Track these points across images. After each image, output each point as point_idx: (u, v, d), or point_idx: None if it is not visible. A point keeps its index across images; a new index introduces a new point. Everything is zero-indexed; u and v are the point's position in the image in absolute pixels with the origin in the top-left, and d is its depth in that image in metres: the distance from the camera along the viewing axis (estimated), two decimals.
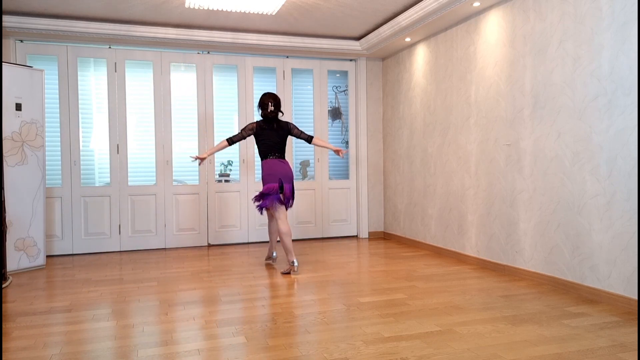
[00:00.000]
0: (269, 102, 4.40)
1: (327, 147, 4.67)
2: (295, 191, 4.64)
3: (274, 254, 4.79)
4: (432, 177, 5.35)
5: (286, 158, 5.90)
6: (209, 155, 4.56)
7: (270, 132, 4.42)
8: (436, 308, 3.23)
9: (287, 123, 4.55)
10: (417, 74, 5.62)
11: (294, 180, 4.88)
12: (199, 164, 4.69)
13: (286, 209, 4.41)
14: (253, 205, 5.94)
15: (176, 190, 5.82)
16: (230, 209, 5.99)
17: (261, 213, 4.55)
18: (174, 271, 4.53)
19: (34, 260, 4.70)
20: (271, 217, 4.54)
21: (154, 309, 3.32)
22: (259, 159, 4.75)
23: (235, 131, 6.00)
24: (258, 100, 4.53)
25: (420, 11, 4.71)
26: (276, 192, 4.31)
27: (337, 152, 4.62)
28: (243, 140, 5.14)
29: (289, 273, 4.33)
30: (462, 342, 2.61)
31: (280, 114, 4.52)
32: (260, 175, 4.68)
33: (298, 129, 4.57)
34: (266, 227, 6.05)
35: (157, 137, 5.73)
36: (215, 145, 4.70)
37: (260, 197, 4.38)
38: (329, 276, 4.23)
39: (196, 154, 5.89)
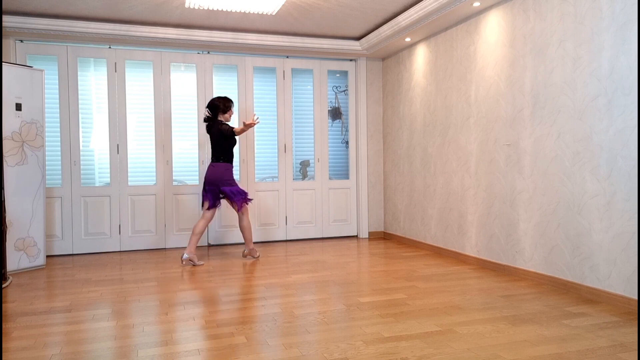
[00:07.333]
0: (229, 104, 4.90)
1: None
2: (235, 193, 4.85)
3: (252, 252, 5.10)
4: (432, 177, 5.34)
5: (282, 157, 5.83)
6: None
7: (212, 134, 4.87)
8: (436, 308, 3.23)
9: (220, 123, 4.81)
10: (417, 74, 5.62)
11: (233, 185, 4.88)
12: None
13: (209, 208, 4.78)
14: (252, 205, 5.97)
15: (176, 190, 5.82)
16: (230, 209, 5.98)
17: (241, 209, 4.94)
18: (174, 271, 4.53)
19: (34, 260, 4.70)
20: (240, 216, 4.91)
21: (154, 309, 3.32)
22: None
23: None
24: (221, 102, 4.88)
25: (420, 11, 4.71)
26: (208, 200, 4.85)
27: None
28: (241, 142, 5.80)
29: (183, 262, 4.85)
30: (462, 342, 2.61)
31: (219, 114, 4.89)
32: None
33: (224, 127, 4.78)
34: (264, 228, 6.14)
35: (157, 137, 5.73)
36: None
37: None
38: (329, 276, 4.23)
39: (196, 153, 5.90)
